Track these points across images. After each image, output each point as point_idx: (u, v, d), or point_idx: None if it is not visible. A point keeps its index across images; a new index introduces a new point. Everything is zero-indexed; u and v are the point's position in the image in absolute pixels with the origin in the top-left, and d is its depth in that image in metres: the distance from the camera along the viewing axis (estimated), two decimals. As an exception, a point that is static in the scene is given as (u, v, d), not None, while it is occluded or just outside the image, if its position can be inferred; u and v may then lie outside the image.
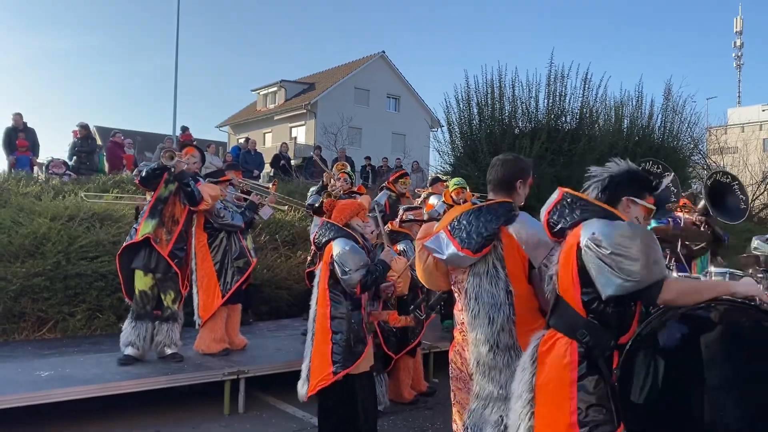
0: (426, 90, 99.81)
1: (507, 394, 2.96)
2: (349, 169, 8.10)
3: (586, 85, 15.02)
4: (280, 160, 16.42)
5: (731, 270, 4.50)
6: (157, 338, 5.68)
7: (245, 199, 6.48)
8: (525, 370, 2.54)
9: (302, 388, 4.18)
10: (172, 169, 5.55)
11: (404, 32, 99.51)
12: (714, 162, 18.08)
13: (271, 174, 16.28)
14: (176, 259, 5.61)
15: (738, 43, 63.66)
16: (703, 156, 18.04)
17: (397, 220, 5.84)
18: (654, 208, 2.63)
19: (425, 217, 5.83)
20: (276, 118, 39.33)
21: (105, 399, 4.97)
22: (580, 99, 15.06)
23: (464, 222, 3.10)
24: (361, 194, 7.07)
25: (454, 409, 3.40)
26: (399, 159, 18.41)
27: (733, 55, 63.82)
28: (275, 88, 40.75)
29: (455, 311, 3.37)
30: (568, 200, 2.58)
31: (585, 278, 2.38)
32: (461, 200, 7.63)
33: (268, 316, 8.16)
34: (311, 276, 6.92)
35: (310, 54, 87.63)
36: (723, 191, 4.80)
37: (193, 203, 5.59)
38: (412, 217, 5.86)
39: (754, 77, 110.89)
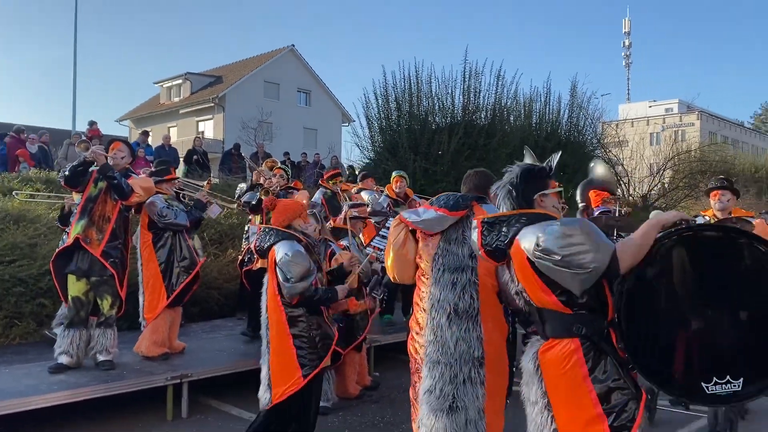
0: (337, 85, 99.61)
1: (455, 375, 3.13)
2: (279, 164, 8.03)
3: (500, 82, 15.58)
4: (193, 155, 15.90)
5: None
6: (90, 344, 5.42)
7: (178, 195, 6.22)
8: (531, 383, 2.62)
9: (265, 395, 4.14)
10: (95, 164, 5.28)
11: (314, 26, 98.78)
12: (615, 156, 19.25)
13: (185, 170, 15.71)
14: (110, 258, 5.33)
15: (626, 43, 67.91)
16: (605, 150, 19.16)
17: (342, 216, 5.87)
18: (561, 189, 2.81)
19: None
20: (181, 111, 37.95)
21: (34, 410, 4.67)
22: (494, 96, 15.61)
23: (443, 196, 3.43)
24: (298, 190, 7.03)
25: (413, 402, 3.49)
26: (318, 155, 18.32)
27: (623, 54, 68.11)
28: (180, 81, 39.30)
29: (415, 298, 3.49)
30: (490, 222, 2.68)
31: (551, 283, 2.48)
32: (402, 189, 7.79)
33: (200, 317, 7.93)
34: (248, 275, 6.81)
35: (217, 47, 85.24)
36: None
37: (122, 196, 5.33)
38: (357, 214, 5.90)
39: (642, 75, 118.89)
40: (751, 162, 30.19)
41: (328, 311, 4.33)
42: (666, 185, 20.44)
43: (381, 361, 6.95)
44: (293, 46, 39.32)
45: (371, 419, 5.37)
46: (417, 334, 3.45)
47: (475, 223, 2.76)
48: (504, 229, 2.61)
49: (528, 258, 2.48)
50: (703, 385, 2.40)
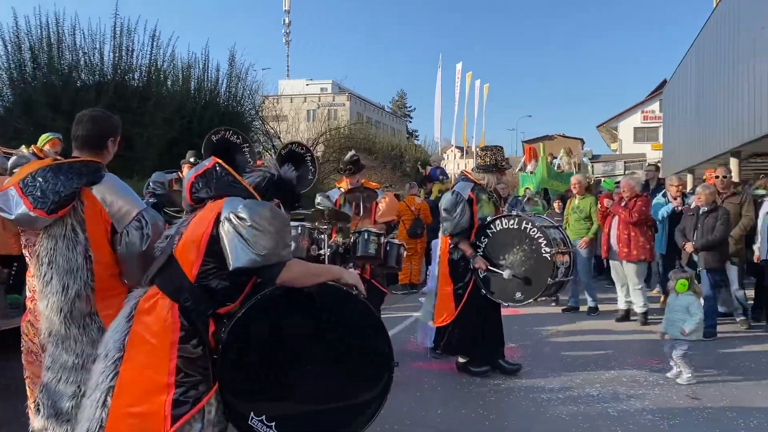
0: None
1: (84, 362, 2.83)
2: None
3: (155, 43, 14.80)
4: None
5: (301, 223, 5.17)
6: None
7: None
8: (118, 330, 2.44)
9: None
10: None
11: None
12: (272, 128, 19.96)
13: None
14: None
15: (287, 21, 70.78)
16: (263, 122, 19.74)
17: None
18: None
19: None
20: None
21: None
22: (149, 57, 14.77)
23: (40, 179, 2.79)
24: None
25: (27, 383, 3.10)
26: None
27: (283, 31, 70.82)
28: None
29: (27, 277, 3.02)
30: (218, 171, 2.65)
31: (213, 248, 2.41)
32: (55, 153, 6.77)
33: None
34: None
35: None
36: (297, 161, 5.42)
37: None
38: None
39: (300, 53, 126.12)
40: (388, 141, 34.66)
41: None
42: (318, 159, 22.04)
43: (3, 350, 6.00)
44: None
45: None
46: (35, 319, 2.98)
47: (188, 182, 2.66)
48: (222, 185, 2.60)
49: (218, 216, 2.43)
50: (252, 414, 2.45)
